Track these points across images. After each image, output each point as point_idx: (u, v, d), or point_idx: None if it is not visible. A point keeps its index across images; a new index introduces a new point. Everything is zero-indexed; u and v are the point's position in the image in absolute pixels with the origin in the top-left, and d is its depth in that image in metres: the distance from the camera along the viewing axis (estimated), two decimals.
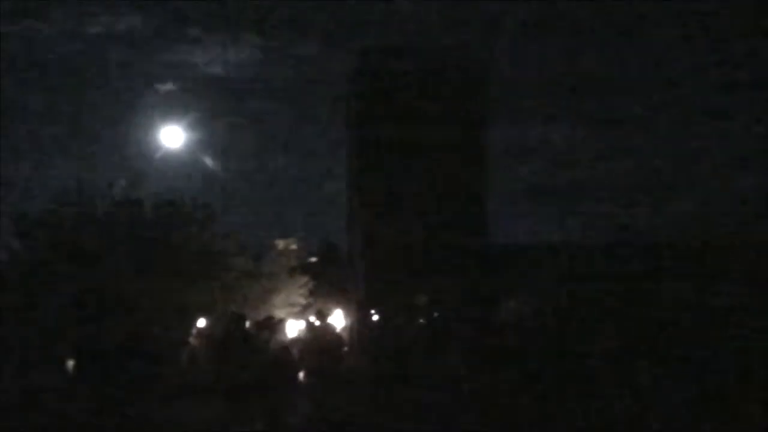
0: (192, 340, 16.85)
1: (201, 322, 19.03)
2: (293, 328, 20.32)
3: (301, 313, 29.57)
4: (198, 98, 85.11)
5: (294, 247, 36.28)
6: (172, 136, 28.24)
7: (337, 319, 29.31)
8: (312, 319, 17.69)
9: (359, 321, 25.68)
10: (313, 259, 44.01)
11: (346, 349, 16.07)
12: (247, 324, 13.53)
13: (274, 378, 11.43)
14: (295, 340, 16.45)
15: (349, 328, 21.62)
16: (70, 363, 18.30)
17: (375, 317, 25.78)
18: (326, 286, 35.81)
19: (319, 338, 14.59)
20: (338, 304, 30.41)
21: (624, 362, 16.97)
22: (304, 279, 32.64)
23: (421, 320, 22.73)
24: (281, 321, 22.38)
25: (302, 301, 31.93)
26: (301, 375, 14.78)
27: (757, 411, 13.22)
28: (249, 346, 11.27)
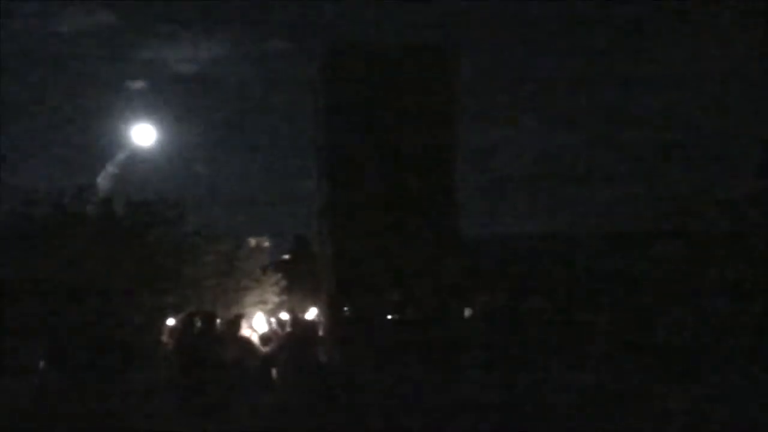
0: (164, 339, 16.85)
1: (170, 321, 19.05)
2: (263, 325, 20.35)
3: (274, 311, 29.59)
4: (169, 96, 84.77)
5: (266, 244, 36.25)
6: (144, 134, 28.23)
7: (311, 316, 29.36)
8: (284, 315, 17.77)
9: (331, 317, 25.77)
10: (286, 257, 43.99)
11: (318, 344, 16.15)
12: (218, 322, 13.57)
13: (240, 375, 11.51)
14: (266, 337, 16.48)
15: (322, 324, 21.69)
16: (41, 364, 18.30)
17: (347, 313, 25.85)
18: (299, 283, 35.83)
19: (292, 333, 14.63)
20: (311, 301, 30.44)
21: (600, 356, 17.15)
22: (277, 277, 32.67)
23: (394, 316, 22.87)
24: (251, 318, 22.45)
25: (275, 299, 31.95)
26: (273, 371, 14.86)
27: None
28: (218, 344, 11.33)
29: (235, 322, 13.36)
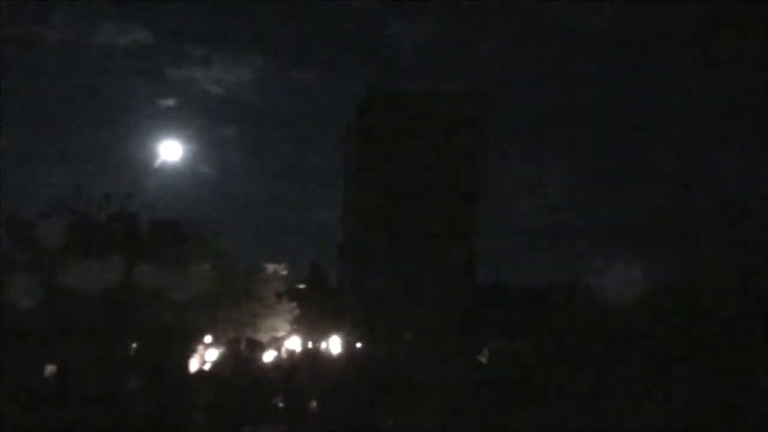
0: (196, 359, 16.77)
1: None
2: (271, 353, 20.39)
3: (285, 338, 29.58)
4: (197, 115, 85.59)
5: (284, 272, 36.23)
6: (171, 150, 28.25)
7: (322, 347, 29.34)
8: (292, 343, 17.78)
9: (346, 351, 25.73)
10: (302, 286, 43.99)
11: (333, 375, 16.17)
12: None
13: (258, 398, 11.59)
14: (276, 364, 16.55)
15: (336, 357, 21.69)
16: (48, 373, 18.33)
17: (360, 348, 25.78)
18: (312, 313, 35.77)
19: (309, 362, 14.68)
20: (321, 332, 30.44)
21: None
22: (290, 305, 32.59)
23: (405, 356, 22.83)
24: (263, 345, 22.41)
25: (286, 326, 31.89)
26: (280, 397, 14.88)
27: None
28: (243, 366, 11.46)
29: (258, 350, 13.46)
